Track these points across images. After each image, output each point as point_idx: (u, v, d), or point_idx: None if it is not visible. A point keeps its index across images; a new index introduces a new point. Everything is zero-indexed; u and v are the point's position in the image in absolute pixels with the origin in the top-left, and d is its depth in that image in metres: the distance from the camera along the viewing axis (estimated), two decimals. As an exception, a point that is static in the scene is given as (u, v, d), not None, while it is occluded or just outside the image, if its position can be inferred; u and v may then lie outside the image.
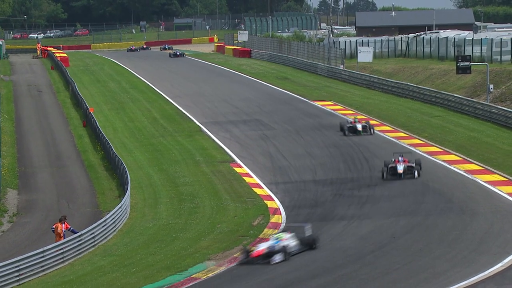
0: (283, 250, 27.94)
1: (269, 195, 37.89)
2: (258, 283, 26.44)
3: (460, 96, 57.44)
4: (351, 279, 26.08)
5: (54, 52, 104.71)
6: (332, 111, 57.89)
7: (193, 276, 27.66)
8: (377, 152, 44.38)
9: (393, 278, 25.91)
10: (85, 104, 60.14)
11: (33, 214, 38.08)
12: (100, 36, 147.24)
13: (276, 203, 36.61)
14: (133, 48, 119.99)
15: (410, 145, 45.94)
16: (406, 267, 27.02)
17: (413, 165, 38.48)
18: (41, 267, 29.51)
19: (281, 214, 34.83)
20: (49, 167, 46.47)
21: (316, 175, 40.89)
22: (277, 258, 27.73)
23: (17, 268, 28.56)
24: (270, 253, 27.85)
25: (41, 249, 29.87)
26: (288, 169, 42.18)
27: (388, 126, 51.65)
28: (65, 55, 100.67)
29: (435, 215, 33.02)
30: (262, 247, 28.18)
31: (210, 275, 27.82)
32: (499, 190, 36.34)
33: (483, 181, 37.88)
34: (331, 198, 36.82)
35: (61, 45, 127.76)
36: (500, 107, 52.74)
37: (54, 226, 31.89)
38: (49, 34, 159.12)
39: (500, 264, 26.67)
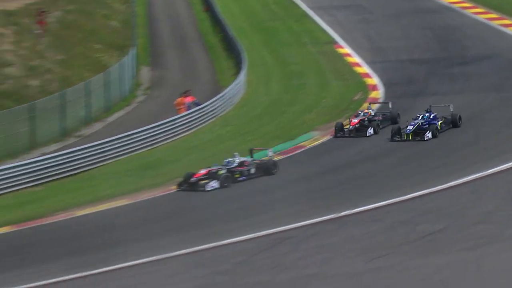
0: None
1: (368, 73, 37.94)
2: (357, 152, 26.74)
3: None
4: (443, 146, 26.22)
5: None
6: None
7: (301, 144, 28.25)
8: (469, 33, 43.64)
9: (483, 146, 25.73)
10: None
11: (163, 88, 39.06)
12: None
13: (374, 80, 36.68)
14: None
15: (502, 25, 44.80)
16: (495, 136, 26.80)
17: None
18: (172, 134, 30.42)
19: (379, 90, 34.97)
20: (175, 48, 47.24)
21: (412, 55, 40.62)
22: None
23: (151, 134, 29.50)
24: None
25: (171, 118, 30.81)
26: (386, 50, 41.97)
27: (481, 8, 50.28)
28: None
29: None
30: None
31: (315, 143, 28.35)
32: None
33: None
34: (425, 75, 36.64)
35: None
36: None
37: (179, 101, 32.70)
38: None
39: None
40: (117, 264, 17.20)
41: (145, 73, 41.98)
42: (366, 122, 28.02)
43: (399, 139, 26.51)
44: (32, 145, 29.86)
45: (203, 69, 42.21)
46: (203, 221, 20.58)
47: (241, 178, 23.79)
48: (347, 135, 27.68)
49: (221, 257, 17.11)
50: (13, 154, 28.83)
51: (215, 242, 17.97)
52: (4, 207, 23.85)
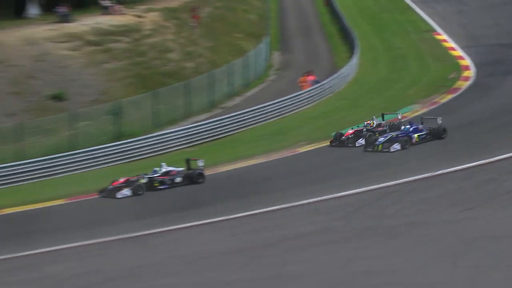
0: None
1: (462, 56, 36.74)
2: (456, 119, 25.89)
3: None
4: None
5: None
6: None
7: (403, 114, 27.67)
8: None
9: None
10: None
11: (290, 69, 39.09)
12: None
13: (467, 61, 35.48)
14: None
15: None
16: None
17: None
18: (297, 106, 30.49)
19: (471, 70, 33.80)
20: (300, 36, 47.09)
21: (501, 40, 39.01)
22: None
23: (280, 106, 29.66)
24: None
25: (296, 93, 30.80)
26: (479, 36, 40.48)
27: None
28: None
29: None
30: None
31: (415, 114, 27.75)
32: None
33: None
34: (513, 57, 35.27)
35: None
36: None
37: (302, 79, 32.70)
38: None
39: None
40: (253, 210, 17.38)
41: (276, 57, 42.05)
42: (365, 132, 23.42)
43: (370, 150, 22.35)
44: (187, 115, 30.47)
45: (323, 53, 41.95)
46: (322, 177, 20.50)
47: (162, 187, 20.74)
48: (340, 145, 23.43)
49: (336, 207, 17.02)
50: (172, 121, 29.51)
51: (331, 194, 17.89)
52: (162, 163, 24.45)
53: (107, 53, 33.62)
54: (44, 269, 14.58)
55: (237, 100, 33.76)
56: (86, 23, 35.33)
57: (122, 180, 20.57)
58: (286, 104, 29.87)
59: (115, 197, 20.05)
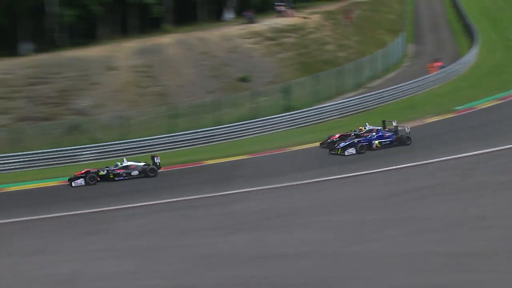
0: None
1: None
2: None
3: None
4: None
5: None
6: None
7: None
8: None
9: None
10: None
11: (421, 58, 37.39)
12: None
13: None
14: None
15: None
16: None
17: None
18: (426, 86, 29.12)
19: None
20: (430, 31, 44.73)
21: None
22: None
23: (413, 86, 28.49)
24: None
25: (426, 76, 29.51)
26: None
27: None
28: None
29: None
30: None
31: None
32: None
33: None
34: None
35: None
36: None
37: (430, 65, 31.22)
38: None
39: None
40: (385, 167, 16.94)
41: (410, 48, 40.30)
42: (352, 136, 20.19)
43: (333, 153, 19.64)
44: (339, 92, 30.16)
45: (448, 45, 39.61)
46: (446, 140, 19.50)
47: (118, 178, 19.00)
48: (327, 146, 20.57)
49: (457, 164, 16.19)
50: (328, 98, 29.37)
51: (451, 155, 17.01)
52: (320, 130, 24.40)
53: (280, 46, 33.96)
54: (231, 207, 15.18)
55: (379, 81, 32.85)
56: (265, 23, 35.86)
57: (83, 171, 19.13)
58: (417, 85, 28.77)
59: (71, 186, 18.62)
